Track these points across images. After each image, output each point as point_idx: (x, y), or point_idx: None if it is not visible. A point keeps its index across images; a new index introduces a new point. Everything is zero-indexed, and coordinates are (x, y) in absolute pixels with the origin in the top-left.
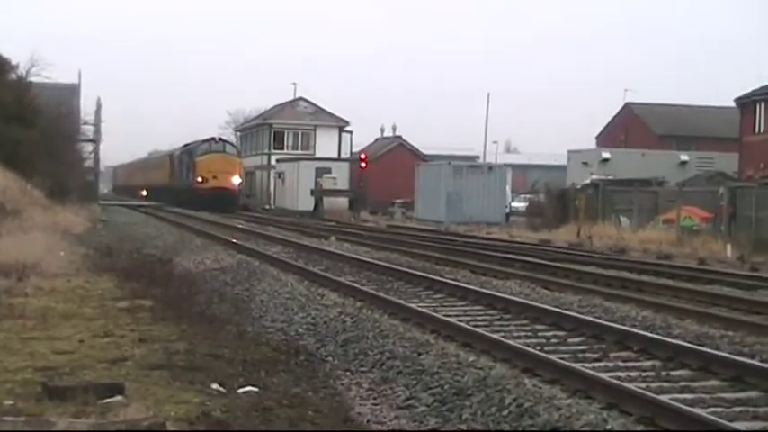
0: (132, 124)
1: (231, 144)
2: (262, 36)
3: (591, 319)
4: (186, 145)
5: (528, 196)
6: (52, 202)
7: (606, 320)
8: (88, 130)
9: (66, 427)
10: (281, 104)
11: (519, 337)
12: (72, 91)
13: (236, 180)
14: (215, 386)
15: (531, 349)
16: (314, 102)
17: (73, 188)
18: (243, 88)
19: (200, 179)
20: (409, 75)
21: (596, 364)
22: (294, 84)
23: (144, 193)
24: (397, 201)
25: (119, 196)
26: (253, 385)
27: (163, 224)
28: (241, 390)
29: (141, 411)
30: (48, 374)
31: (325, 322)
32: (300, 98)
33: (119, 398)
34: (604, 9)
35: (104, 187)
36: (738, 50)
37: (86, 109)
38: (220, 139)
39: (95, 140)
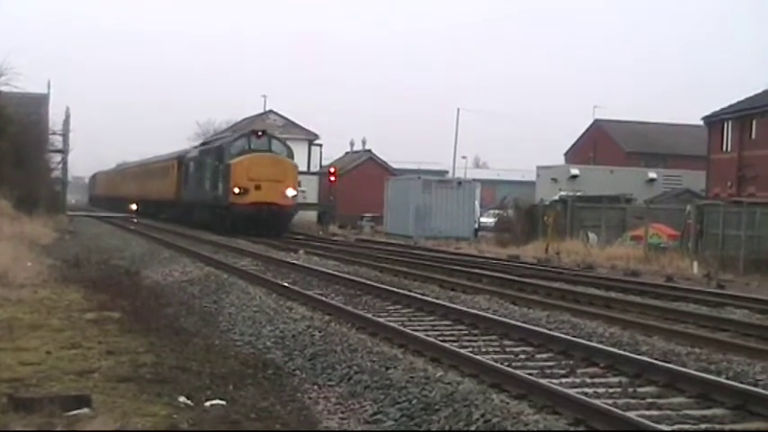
0: (101, 135)
1: (279, 140)
2: (232, 49)
3: (559, 335)
4: (205, 143)
5: (497, 212)
6: (19, 212)
7: (574, 336)
8: (56, 141)
9: None
10: (251, 117)
11: (487, 353)
12: (41, 101)
13: (291, 192)
14: (182, 399)
15: (498, 365)
16: (284, 114)
17: (41, 198)
18: (213, 101)
19: (237, 190)
20: (379, 89)
21: (564, 380)
22: (264, 96)
23: (134, 206)
24: (366, 214)
25: (96, 209)
26: (220, 398)
27: (131, 236)
28: (209, 403)
29: (108, 424)
30: (14, 386)
31: (293, 336)
32: (270, 111)
33: (85, 410)
34: (574, 26)
35: (72, 198)
36: (706, 69)
37: (55, 119)
38: (264, 132)
39: (64, 151)
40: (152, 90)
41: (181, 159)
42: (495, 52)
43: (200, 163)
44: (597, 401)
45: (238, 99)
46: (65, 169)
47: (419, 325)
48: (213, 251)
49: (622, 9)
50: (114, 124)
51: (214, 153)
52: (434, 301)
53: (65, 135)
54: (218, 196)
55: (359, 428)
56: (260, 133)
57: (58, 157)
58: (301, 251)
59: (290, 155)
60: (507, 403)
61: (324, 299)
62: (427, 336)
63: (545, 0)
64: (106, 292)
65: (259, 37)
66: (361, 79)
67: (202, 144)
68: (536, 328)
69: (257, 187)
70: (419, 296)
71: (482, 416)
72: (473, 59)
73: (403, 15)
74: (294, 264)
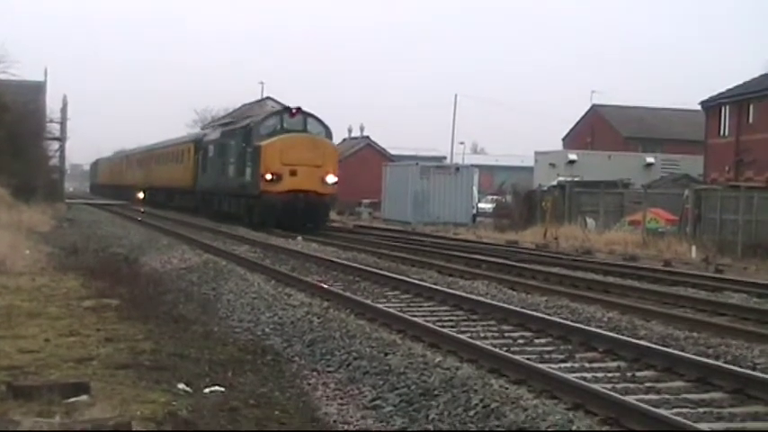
0: (97, 124)
1: (316, 118)
2: (230, 37)
3: (557, 320)
4: (227, 124)
5: (495, 197)
6: (17, 200)
7: (572, 321)
8: (54, 128)
9: (31, 426)
10: (248, 104)
11: (486, 338)
12: (38, 89)
13: (331, 178)
14: (181, 386)
15: (497, 350)
16: (282, 101)
17: (38, 187)
18: (211, 88)
19: (269, 177)
20: (378, 75)
21: (562, 365)
22: (262, 83)
23: (141, 195)
24: (365, 201)
25: (98, 198)
26: (219, 385)
27: (130, 223)
28: (207, 390)
29: (107, 411)
30: (13, 374)
31: (291, 322)
32: (268, 97)
33: (84, 397)
34: (571, 14)
35: (70, 186)
36: (704, 55)
37: (52, 107)
38: (298, 109)
39: (61, 139)
40: (149, 79)
41: (198, 142)
42: (493, 39)
43: (223, 146)
44: (596, 386)
45: (236, 86)
46: (62, 157)
47: (418, 311)
48: (212, 238)
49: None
50: (111, 113)
51: (240, 134)
52: (433, 286)
53: (62, 123)
54: (246, 184)
55: (358, 414)
56: (294, 111)
57: (55, 145)
58: (299, 237)
59: (329, 135)
60: (506, 388)
61: (322, 285)
62: (426, 321)
63: None
64: (104, 280)
65: (256, 24)
66: (359, 66)
67: (224, 124)
68: (534, 313)
69: (292, 173)
70: (417, 282)
71: (481, 401)
72: (471, 47)
73: (402, 3)
74: (292, 250)
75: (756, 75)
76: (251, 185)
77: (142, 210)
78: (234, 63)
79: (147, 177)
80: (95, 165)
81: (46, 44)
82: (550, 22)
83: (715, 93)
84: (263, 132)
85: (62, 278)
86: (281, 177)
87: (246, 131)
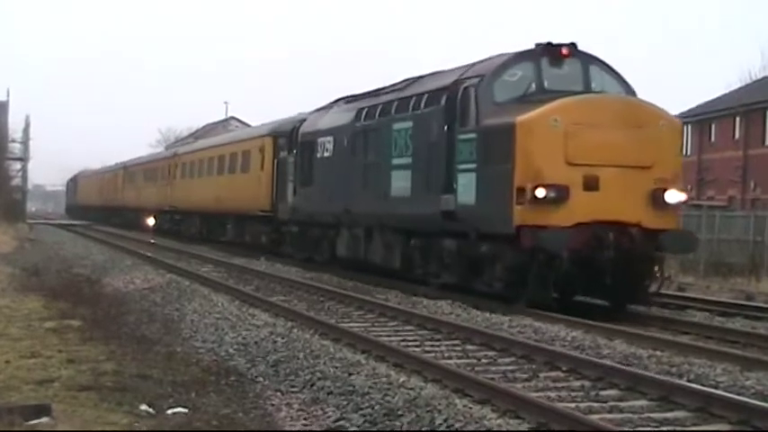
0: (62, 145)
1: (605, 64)
2: (194, 55)
3: (521, 339)
4: (378, 91)
5: None
6: None
7: (536, 341)
8: (16, 148)
9: None
10: (212, 123)
11: (450, 358)
12: (0, 108)
13: (674, 196)
14: (144, 407)
15: (461, 370)
16: (246, 121)
17: None
18: (175, 108)
19: (540, 194)
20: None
21: (526, 384)
22: (226, 103)
23: (151, 221)
24: None
25: (75, 221)
26: (182, 406)
27: (92, 243)
28: (170, 411)
29: None
30: None
31: (255, 342)
32: (232, 117)
33: (45, 420)
34: (541, 28)
35: (33, 206)
36: (668, 74)
37: (14, 126)
38: (572, 46)
39: (23, 159)
40: (111, 101)
41: (286, 135)
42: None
43: (371, 133)
44: (559, 405)
45: (201, 106)
46: (24, 177)
47: (382, 330)
48: (175, 258)
49: (584, 16)
50: (75, 134)
51: (437, 103)
52: (397, 306)
53: (25, 143)
54: (464, 210)
55: None
56: (564, 49)
57: (17, 165)
58: (262, 258)
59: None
60: (470, 408)
61: (286, 305)
62: (390, 341)
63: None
64: (67, 301)
65: (222, 46)
66: (323, 83)
67: (360, 96)
68: (498, 333)
69: (589, 184)
70: (381, 302)
71: (445, 421)
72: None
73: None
74: (257, 270)
75: (718, 94)
76: (480, 214)
77: (152, 241)
78: (200, 82)
79: (165, 195)
80: (74, 181)
81: (9, 64)
82: (519, 35)
83: (678, 112)
84: (499, 98)
85: (23, 299)
86: (567, 194)
87: (457, 95)
